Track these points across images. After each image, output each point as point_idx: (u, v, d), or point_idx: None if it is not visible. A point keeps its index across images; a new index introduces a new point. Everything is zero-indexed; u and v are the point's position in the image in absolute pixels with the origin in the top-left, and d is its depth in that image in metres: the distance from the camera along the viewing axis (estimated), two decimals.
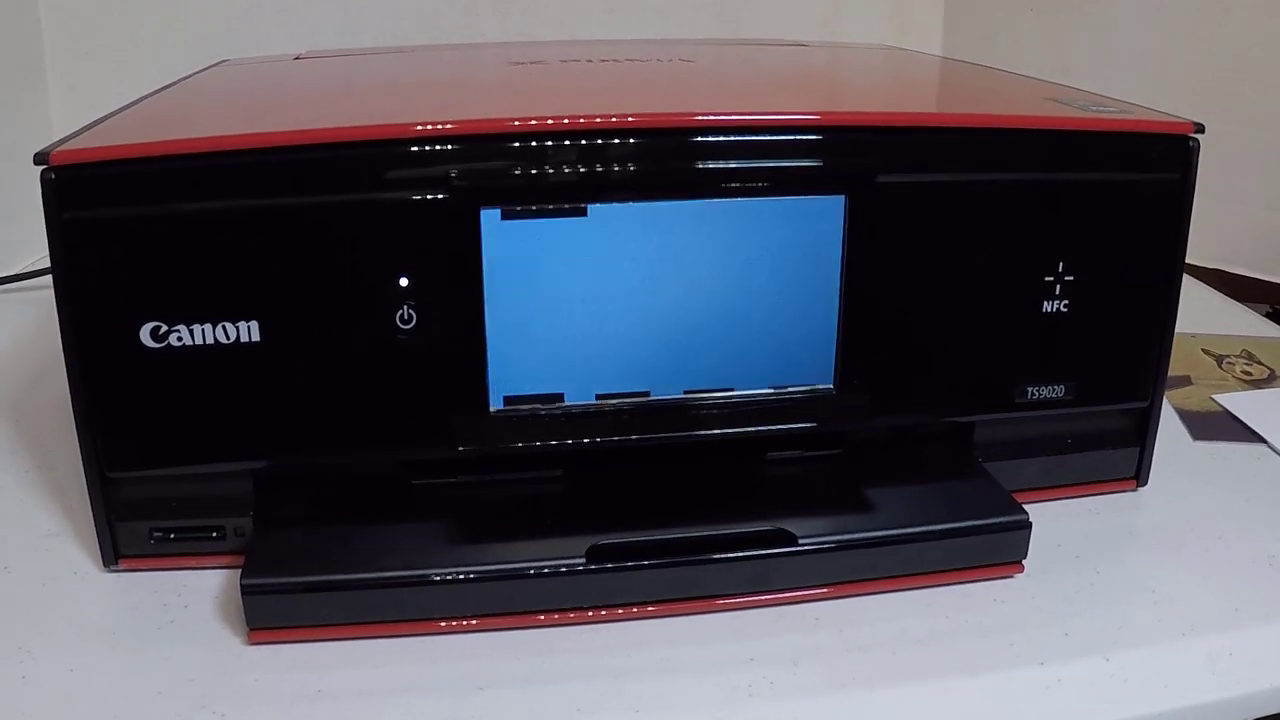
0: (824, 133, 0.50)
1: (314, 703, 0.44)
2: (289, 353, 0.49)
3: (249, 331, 0.48)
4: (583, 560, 0.48)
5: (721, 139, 0.49)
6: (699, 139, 0.49)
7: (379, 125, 0.48)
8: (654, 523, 0.50)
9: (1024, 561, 0.52)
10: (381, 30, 1.04)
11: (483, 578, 0.48)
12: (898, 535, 0.51)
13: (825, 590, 0.50)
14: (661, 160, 0.49)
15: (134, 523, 0.51)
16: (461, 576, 0.48)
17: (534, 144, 0.48)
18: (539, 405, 0.51)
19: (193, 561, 0.52)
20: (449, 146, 0.47)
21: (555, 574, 0.48)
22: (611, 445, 0.52)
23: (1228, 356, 0.77)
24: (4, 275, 0.91)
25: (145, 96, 0.60)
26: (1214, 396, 0.70)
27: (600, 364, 0.51)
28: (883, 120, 0.51)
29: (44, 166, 0.46)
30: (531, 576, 0.48)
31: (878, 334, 0.53)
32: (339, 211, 0.47)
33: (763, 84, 0.69)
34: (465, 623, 0.48)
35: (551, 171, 0.48)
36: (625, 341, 0.51)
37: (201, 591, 0.50)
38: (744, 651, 0.47)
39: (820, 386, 0.53)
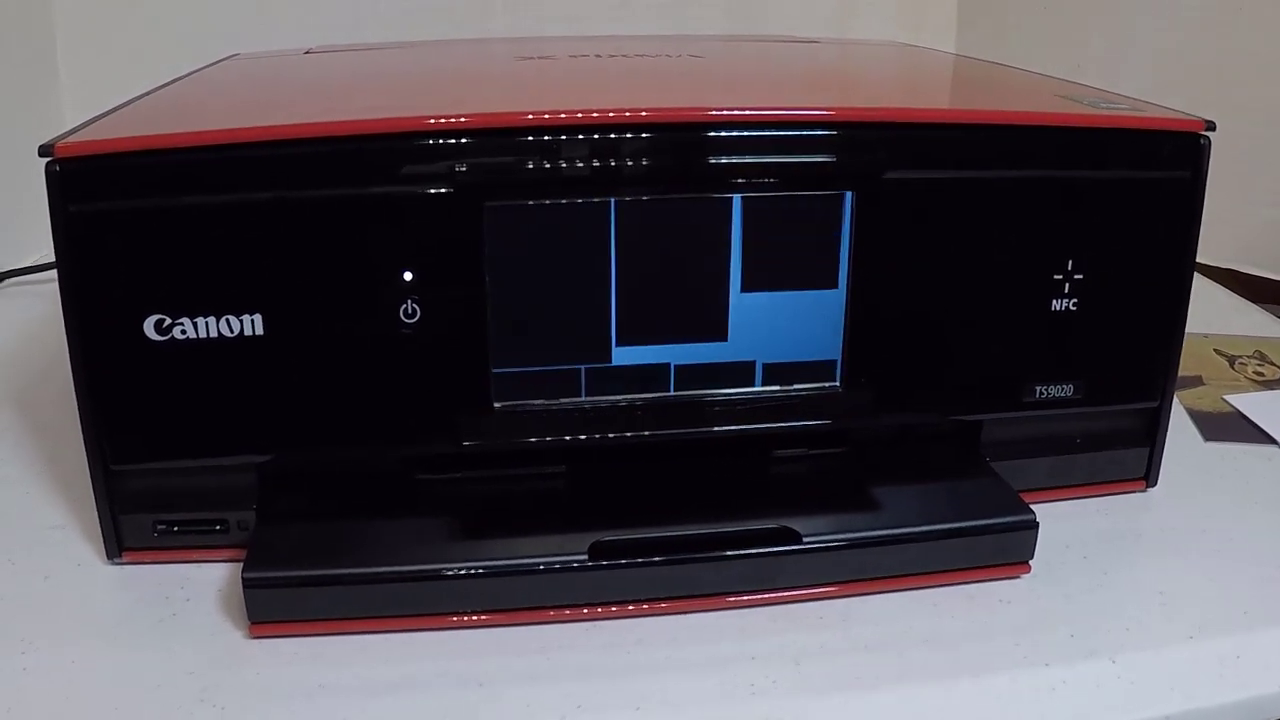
0: (830, 128, 0.49)
1: (314, 697, 0.44)
2: (293, 346, 0.48)
3: (253, 325, 0.48)
4: (585, 556, 0.48)
5: (728, 134, 0.49)
6: (706, 134, 0.49)
7: (383, 119, 0.48)
8: (657, 520, 0.50)
9: (1031, 562, 0.52)
10: (394, 26, 1.04)
11: (484, 573, 0.48)
12: (903, 534, 0.50)
13: (829, 589, 0.50)
14: (668, 155, 0.48)
15: (137, 515, 0.51)
16: (463, 572, 0.47)
17: (540, 139, 0.48)
18: (543, 401, 0.51)
19: (196, 555, 0.52)
20: (453, 140, 0.47)
21: (557, 570, 0.48)
22: (615, 442, 0.52)
23: (1240, 357, 0.76)
24: (15, 268, 0.92)
25: (153, 90, 0.60)
26: (1225, 397, 0.70)
27: (604, 360, 0.51)
28: (890, 116, 0.50)
29: (49, 159, 0.46)
30: (533, 572, 0.48)
31: (885, 332, 0.52)
32: (343, 205, 0.47)
33: (770, 79, 0.69)
34: (467, 618, 0.48)
35: (556, 166, 0.48)
36: (629, 338, 0.51)
37: (204, 584, 0.50)
38: (747, 650, 0.47)
39: (827, 385, 0.53)
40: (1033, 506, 0.52)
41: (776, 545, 0.49)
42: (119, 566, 0.52)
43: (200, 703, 0.43)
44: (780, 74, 0.70)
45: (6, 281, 0.91)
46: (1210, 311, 0.84)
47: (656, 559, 0.49)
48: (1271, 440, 0.65)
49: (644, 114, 0.48)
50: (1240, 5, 0.92)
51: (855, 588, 0.50)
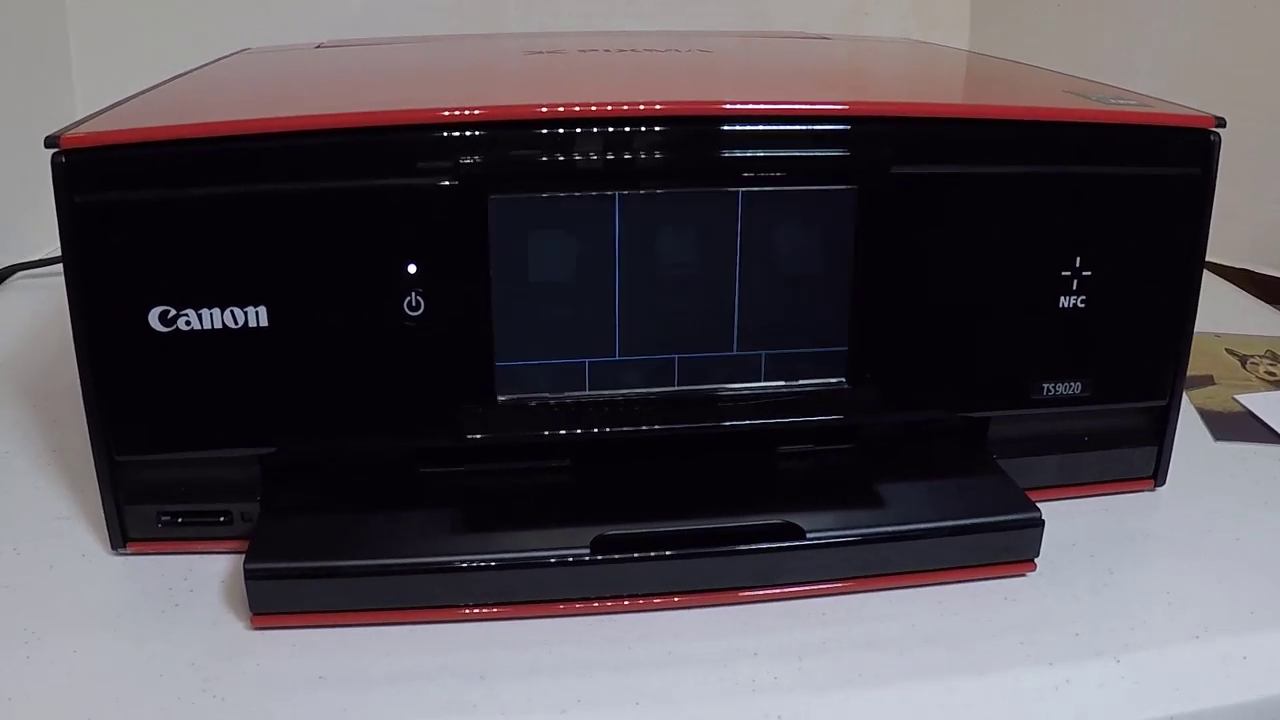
0: (836, 123, 0.49)
1: (314, 688, 0.44)
2: (297, 338, 0.48)
3: (257, 316, 0.48)
4: (588, 551, 0.48)
5: (736, 128, 0.49)
6: (713, 128, 0.49)
7: (387, 111, 0.48)
8: (660, 514, 0.50)
9: (1036, 560, 0.52)
10: (407, 23, 1.04)
11: (486, 567, 0.47)
12: (907, 531, 0.50)
13: (834, 585, 0.50)
14: (675, 149, 0.48)
15: (142, 506, 0.51)
16: (465, 565, 0.47)
17: (545, 131, 0.48)
18: (547, 395, 0.51)
19: (200, 546, 0.52)
20: (458, 133, 0.47)
21: (559, 564, 0.48)
22: (619, 436, 0.52)
23: (1252, 357, 0.76)
24: (25, 261, 0.92)
25: (161, 83, 0.60)
26: (1236, 397, 0.69)
27: (609, 354, 0.51)
28: (896, 110, 0.50)
29: (55, 150, 0.46)
30: (536, 566, 0.48)
31: (891, 327, 0.52)
32: (347, 197, 0.47)
33: (776, 74, 0.68)
34: (468, 611, 0.48)
35: (561, 159, 0.48)
36: (634, 332, 0.50)
37: (208, 575, 0.51)
38: (749, 646, 0.47)
39: (833, 380, 0.53)
40: (1040, 505, 0.52)
41: (780, 541, 0.49)
42: (123, 557, 0.52)
43: (201, 693, 0.43)
44: (789, 69, 0.69)
45: (17, 275, 0.92)
46: (1223, 311, 0.84)
47: (659, 554, 0.48)
48: None
49: (656, 107, 0.48)
50: (1255, 3, 0.91)
51: (860, 584, 0.50)
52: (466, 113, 0.47)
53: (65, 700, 0.43)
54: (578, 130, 0.48)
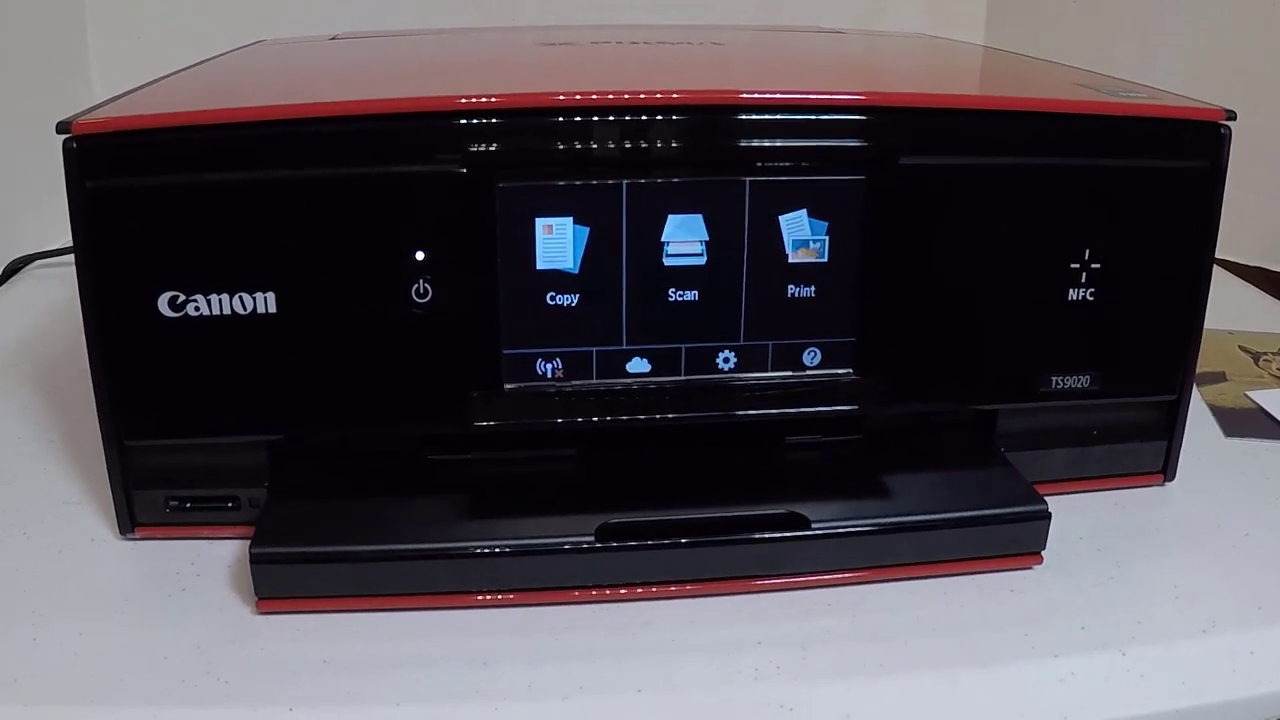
0: (844, 113, 0.49)
1: (318, 673, 0.44)
2: (305, 324, 0.49)
3: (265, 303, 0.48)
4: (592, 538, 0.48)
5: (745, 117, 0.49)
6: (722, 117, 0.49)
7: (394, 99, 0.48)
8: (666, 503, 0.50)
9: (1043, 553, 0.51)
10: (425, 16, 1.05)
11: (492, 553, 0.48)
12: (913, 522, 0.50)
13: (838, 576, 0.50)
14: (682, 137, 0.48)
15: (150, 491, 0.52)
16: (470, 551, 0.48)
17: (553, 120, 0.48)
18: (554, 383, 0.51)
19: (207, 531, 0.52)
20: (466, 121, 0.47)
21: (564, 551, 0.48)
22: (626, 425, 0.52)
23: (1265, 354, 0.75)
24: (43, 250, 0.93)
25: (175, 72, 0.60)
26: (1248, 393, 0.69)
27: (616, 343, 0.51)
28: (904, 101, 0.50)
29: (66, 136, 0.46)
30: (540, 553, 0.48)
31: (899, 319, 0.52)
32: (356, 184, 0.47)
33: (786, 66, 0.68)
34: (472, 597, 0.48)
35: (569, 147, 0.48)
36: (641, 321, 0.50)
37: (214, 560, 0.51)
38: (752, 635, 0.47)
39: (841, 371, 0.52)
40: (1048, 498, 0.52)
41: (785, 531, 0.49)
42: (131, 542, 0.52)
43: (205, 675, 0.44)
44: (799, 61, 0.69)
45: (34, 264, 0.93)
46: (1237, 308, 0.83)
47: (664, 542, 0.48)
48: None
49: (659, 96, 0.48)
50: (1273, 0, 0.90)
51: (865, 575, 0.50)
52: (475, 101, 0.47)
53: (71, 682, 0.43)
54: (585, 119, 0.48)
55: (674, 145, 0.48)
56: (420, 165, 0.47)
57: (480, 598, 0.48)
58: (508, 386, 0.51)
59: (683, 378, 0.52)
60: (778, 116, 0.49)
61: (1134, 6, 1.01)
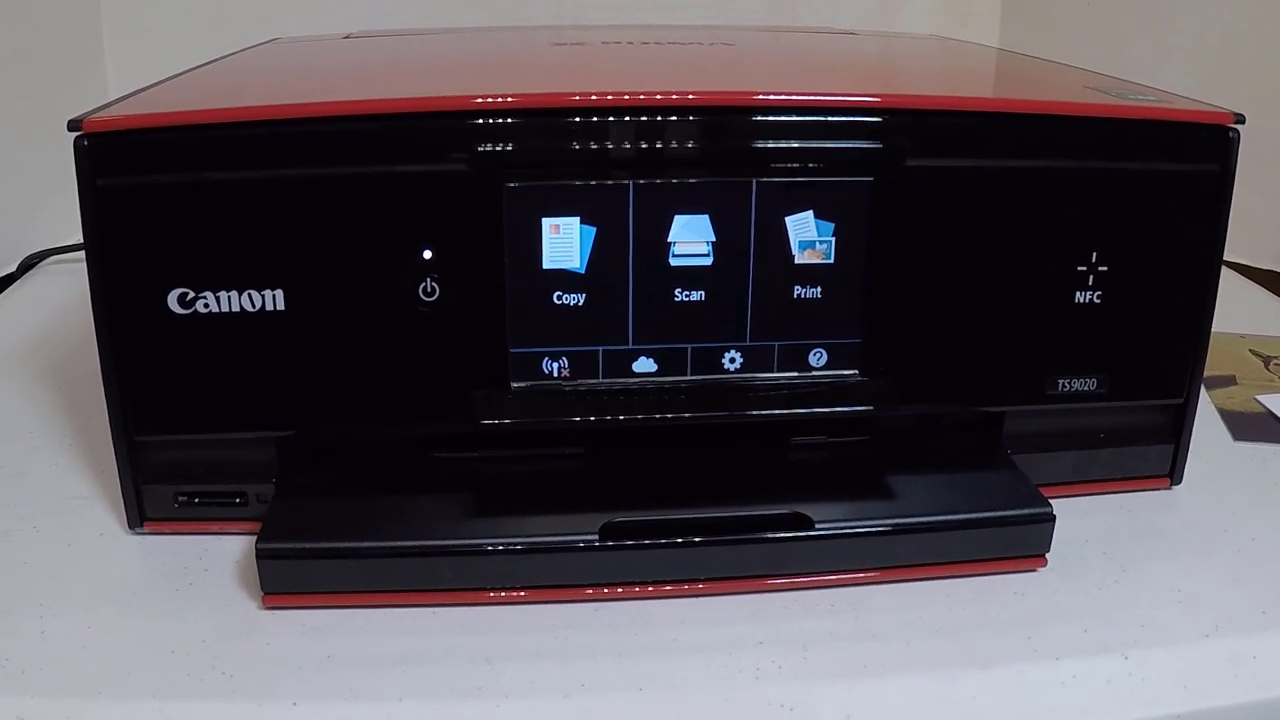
0: (850, 115, 0.49)
1: (322, 668, 0.44)
2: (313, 322, 0.49)
3: (274, 300, 0.49)
4: (596, 537, 0.48)
5: (745, 118, 0.49)
6: (722, 118, 0.49)
7: (403, 99, 0.48)
8: (670, 503, 0.50)
9: (1047, 556, 0.51)
10: (439, 16, 1.05)
11: (496, 551, 0.48)
12: (917, 524, 0.50)
13: (841, 576, 0.50)
14: (687, 139, 0.48)
15: (159, 486, 0.52)
16: (475, 549, 0.48)
17: (560, 120, 0.48)
18: (560, 382, 0.51)
19: (215, 526, 0.53)
20: (474, 120, 0.48)
21: (568, 549, 0.48)
22: (631, 424, 0.52)
23: (1275, 358, 0.75)
24: (58, 246, 0.93)
25: (188, 70, 0.61)
26: (1258, 397, 0.69)
27: (622, 342, 0.51)
28: (910, 103, 0.50)
29: (78, 133, 0.47)
30: (545, 551, 0.48)
31: (905, 320, 0.52)
32: (365, 183, 0.48)
33: (794, 67, 0.68)
34: (475, 595, 0.48)
35: (576, 148, 0.48)
36: (647, 321, 0.51)
37: (222, 556, 0.51)
38: (755, 634, 0.47)
39: (846, 372, 0.53)
40: (1055, 501, 0.52)
41: (789, 531, 0.49)
42: (140, 536, 0.53)
43: (211, 670, 0.44)
44: (808, 62, 0.69)
45: (49, 259, 0.93)
46: (1248, 312, 0.83)
47: (667, 541, 0.49)
48: None
49: (671, 97, 0.48)
50: None
51: (868, 576, 0.50)
52: (482, 100, 0.48)
53: (77, 674, 0.44)
54: (593, 119, 0.48)
55: (685, 146, 0.48)
56: (427, 164, 0.48)
57: (483, 595, 0.48)
58: (514, 385, 0.51)
59: (689, 378, 0.52)
60: (790, 118, 0.49)
61: (1149, 7, 1.01)
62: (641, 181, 0.49)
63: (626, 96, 0.48)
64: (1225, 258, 0.55)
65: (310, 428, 0.51)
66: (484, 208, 0.48)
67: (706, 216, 0.50)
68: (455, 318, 0.49)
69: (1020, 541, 0.51)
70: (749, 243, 0.50)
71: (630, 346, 0.51)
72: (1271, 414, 0.67)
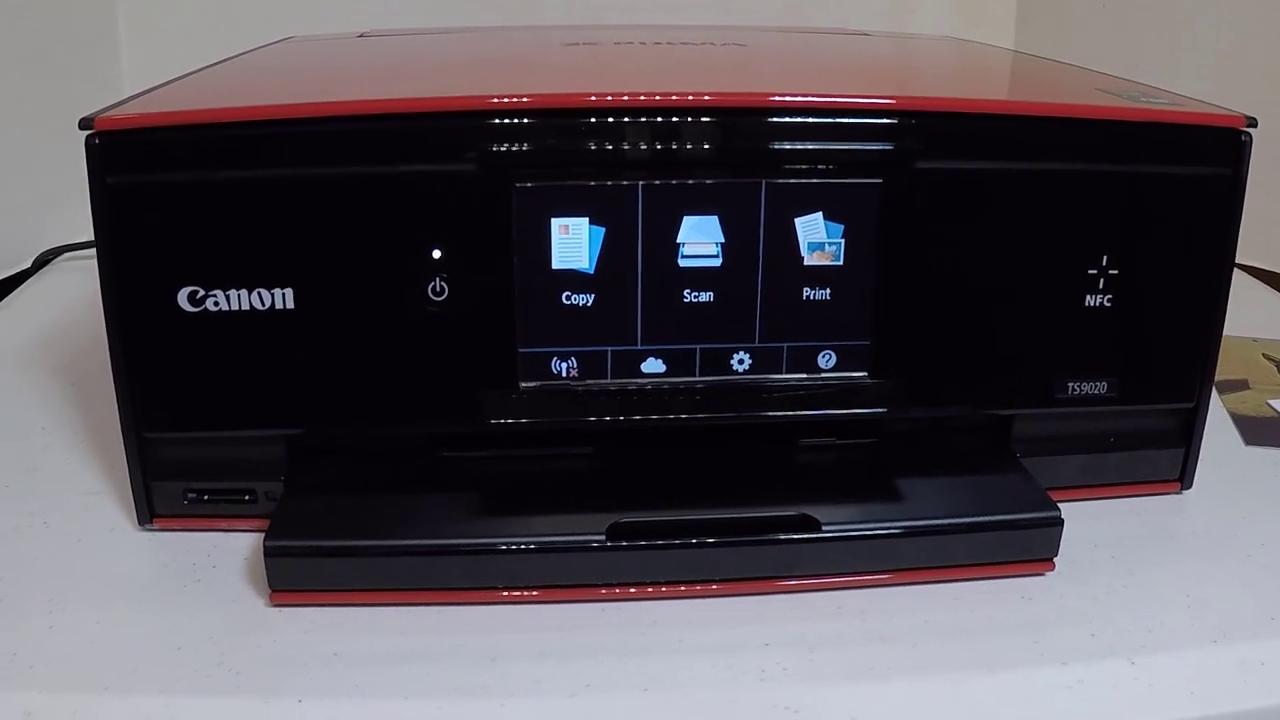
0: (859, 116, 0.49)
1: (328, 665, 0.45)
2: (322, 321, 0.49)
3: (283, 299, 0.49)
4: (603, 537, 0.48)
5: (754, 119, 0.49)
6: (731, 119, 0.49)
7: (413, 99, 0.49)
8: (677, 504, 0.50)
9: (1055, 560, 0.51)
10: (454, 15, 1.05)
11: (503, 550, 0.48)
12: (925, 526, 0.50)
13: (848, 579, 0.50)
14: (696, 140, 0.48)
15: (169, 483, 0.52)
16: (482, 548, 0.48)
17: (569, 120, 0.48)
18: (568, 382, 0.51)
19: (224, 523, 0.53)
20: (483, 121, 0.48)
21: (574, 549, 0.48)
22: (639, 425, 0.52)
23: None
24: (73, 243, 0.94)
25: (201, 68, 0.61)
26: (1270, 402, 0.68)
27: (631, 343, 0.51)
28: (919, 105, 0.50)
29: (89, 132, 0.47)
30: (551, 551, 0.48)
31: (915, 323, 0.52)
32: (375, 183, 0.48)
33: (805, 68, 0.68)
34: (482, 594, 0.48)
35: (585, 148, 0.48)
36: (656, 321, 0.51)
37: (231, 552, 0.51)
38: (761, 636, 0.47)
39: (855, 374, 0.52)
40: (1064, 505, 0.51)
41: (796, 533, 0.49)
42: (149, 532, 0.53)
43: (218, 666, 0.44)
44: (819, 63, 0.69)
45: (63, 256, 0.94)
46: (1263, 316, 0.82)
47: (674, 542, 0.49)
48: None
49: (676, 98, 0.48)
50: None
51: (875, 579, 0.50)
52: (492, 101, 0.48)
53: (84, 669, 0.44)
54: (608, 119, 0.48)
55: (699, 147, 0.48)
56: (437, 164, 0.48)
57: (489, 594, 0.48)
58: (523, 385, 0.51)
59: (697, 379, 0.52)
60: (803, 119, 0.49)
61: (1164, 9, 1.01)
62: (651, 182, 0.49)
63: (643, 97, 0.48)
64: (1239, 261, 0.54)
65: (319, 426, 0.52)
66: (494, 208, 0.48)
67: (716, 217, 0.50)
68: (464, 317, 0.50)
69: (1028, 545, 0.51)
70: (758, 244, 0.50)
71: (639, 347, 0.51)
72: None
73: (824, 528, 0.49)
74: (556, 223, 0.49)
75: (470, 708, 0.43)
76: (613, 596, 0.49)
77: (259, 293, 0.49)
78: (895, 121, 0.49)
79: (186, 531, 0.53)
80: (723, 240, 0.50)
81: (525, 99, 0.48)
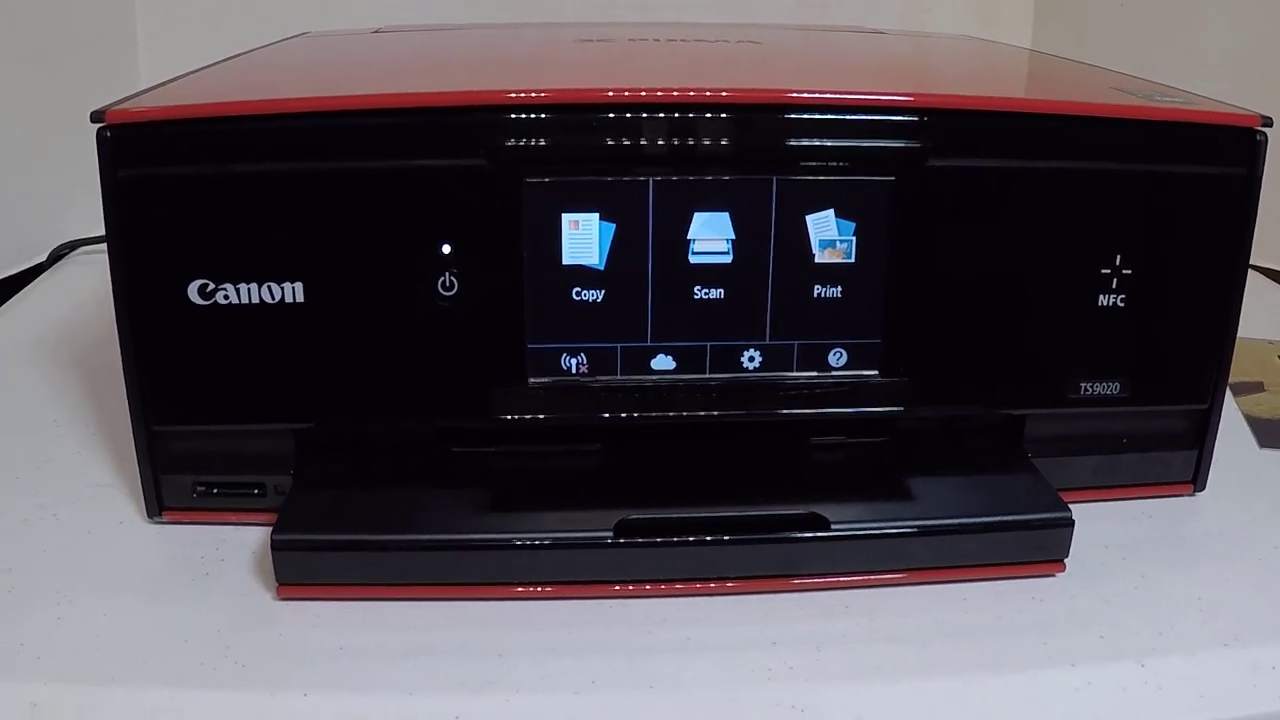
0: (872, 114, 0.49)
1: (333, 659, 0.45)
2: (332, 315, 0.49)
3: (293, 292, 0.49)
4: (611, 534, 0.48)
5: (764, 116, 0.49)
6: (742, 116, 0.49)
7: (426, 93, 0.48)
8: (686, 501, 0.50)
9: (1066, 561, 0.51)
10: (469, 11, 1.05)
11: (510, 546, 0.48)
12: (934, 526, 0.50)
13: (857, 578, 0.50)
14: (707, 136, 0.48)
15: (178, 476, 0.52)
16: (488, 544, 0.48)
17: (580, 116, 0.48)
18: (578, 378, 0.51)
19: (233, 517, 0.53)
20: (494, 116, 0.48)
21: (581, 546, 0.48)
22: (649, 422, 0.52)
23: None
24: (88, 236, 0.94)
25: (215, 63, 0.61)
26: None
27: (641, 339, 0.51)
28: (933, 102, 0.50)
29: (100, 124, 0.47)
30: (559, 547, 0.48)
31: (927, 321, 0.52)
32: (385, 177, 0.48)
33: (818, 66, 0.68)
34: (489, 589, 0.48)
35: (596, 144, 0.48)
36: (666, 318, 0.50)
37: (239, 546, 0.51)
38: (768, 635, 0.47)
39: (866, 373, 0.52)
40: (1076, 506, 0.51)
41: (804, 531, 0.49)
42: (159, 525, 0.53)
43: (224, 659, 0.44)
44: (832, 61, 0.69)
45: (79, 250, 0.94)
46: (1278, 318, 0.82)
47: (682, 539, 0.48)
48: None
49: (690, 94, 0.48)
50: None
51: (884, 578, 0.50)
52: (506, 96, 0.48)
53: (92, 660, 0.44)
54: (614, 115, 0.48)
55: (715, 143, 0.48)
56: (447, 159, 0.48)
57: (497, 590, 0.48)
58: (532, 381, 0.51)
59: (708, 376, 0.52)
60: (819, 116, 0.49)
61: (1181, 8, 1.00)
62: (661, 178, 0.49)
63: (659, 93, 0.48)
64: (1254, 262, 0.54)
65: (328, 420, 0.52)
66: (504, 203, 0.48)
67: (727, 214, 0.49)
68: (474, 313, 0.50)
69: (1039, 546, 0.51)
70: (769, 241, 0.50)
71: (649, 344, 0.51)
72: None
73: (833, 526, 0.49)
74: (567, 218, 0.49)
75: (476, 703, 0.43)
76: (620, 593, 0.49)
77: (269, 286, 0.49)
78: (908, 119, 0.49)
79: (195, 525, 0.53)
80: (734, 237, 0.50)
81: (537, 94, 0.48)
